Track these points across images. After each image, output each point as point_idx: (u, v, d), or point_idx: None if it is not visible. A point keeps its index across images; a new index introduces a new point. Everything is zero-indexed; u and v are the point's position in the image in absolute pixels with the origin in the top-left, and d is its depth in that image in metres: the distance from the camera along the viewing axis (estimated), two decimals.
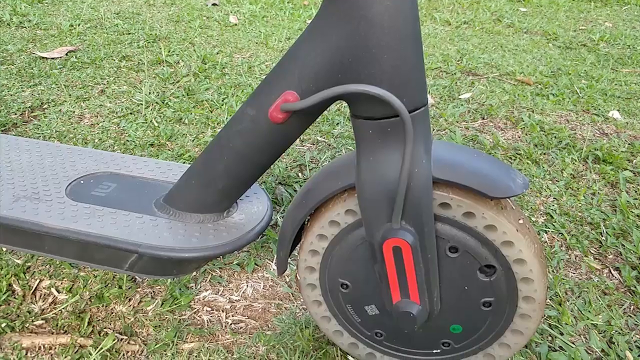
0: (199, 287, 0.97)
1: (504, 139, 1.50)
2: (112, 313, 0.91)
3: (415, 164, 0.63)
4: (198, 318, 0.91)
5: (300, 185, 1.23)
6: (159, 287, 0.97)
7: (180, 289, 0.95)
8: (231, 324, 0.90)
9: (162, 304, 0.93)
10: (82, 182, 0.87)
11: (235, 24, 2.39)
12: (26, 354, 0.83)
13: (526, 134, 1.53)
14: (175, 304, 0.93)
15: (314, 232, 0.75)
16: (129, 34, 2.12)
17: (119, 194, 0.85)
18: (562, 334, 0.89)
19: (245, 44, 2.11)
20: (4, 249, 1.03)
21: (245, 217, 0.81)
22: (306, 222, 0.77)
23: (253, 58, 1.97)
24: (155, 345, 0.85)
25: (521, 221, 0.70)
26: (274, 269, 1.01)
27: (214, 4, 2.66)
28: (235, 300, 0.95)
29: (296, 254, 1.05)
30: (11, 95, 1.58)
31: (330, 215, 0.73)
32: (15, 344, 0.84)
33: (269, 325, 0.89)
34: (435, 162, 0.66)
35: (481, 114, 1.65)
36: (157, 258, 0.76)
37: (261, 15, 2.58)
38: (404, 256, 0.67)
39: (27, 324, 0.88)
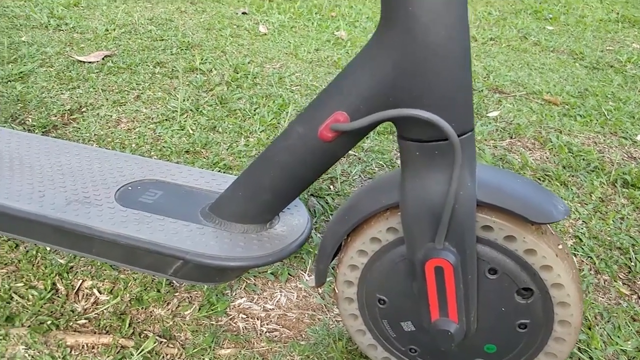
0: (234, 294, 1.00)
1: (533, 159, 1.51)
2: (151, 316, 0.94)
3: (461, 187, 0.65)
4: (234, 325, 0.94)
5: (332, 198, 1.26)
6: (195, 292, 1.00)
7: (216, 296, 0.98)
8: (266, 332, 0.92)
9: (200, 309, 0.96)
10: (130, 188, 0.90)
11: (265, 34, 2.44)
12: (70, 351, 0.86)
13: (554, 155, 1.54)
14: (212, 310, 0.96)
15: (355, 247, 0.77)
16: (162, 40, 2.18)
17: (166, 201, 0.88)
18: (591, 358, 0.90)
19: (276, 54, 2.15)
20: (48, 249, 1.06)
21: (286, 229, 0.83)
22: (346, 237, 0.80)
23: (283, 69, 2.01)
24: (194, 349, 0.87)
25: (560, 246, 0.71)
26: (307, 280, 1.04)
27: (243, 13, 2.71)
28: (270, 308, 0.97)
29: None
30: (51, 98, 1.63)
31: (372, 232, 0.75)
32: (60, 342, 0.88)
33: (303, 335, 0.92)
34: (479, 186, 0.68)
35: (509, 132, 1.66)
36: (202, 265, 0.79)
37: (290, 26, 2.62)
38: (445, 276, 0.69)
39: (71, 323, 0.92)
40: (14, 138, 1.02)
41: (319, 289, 1.02)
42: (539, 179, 1.41)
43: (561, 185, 1.38)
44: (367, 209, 0.74)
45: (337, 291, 0.82)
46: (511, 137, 1.64)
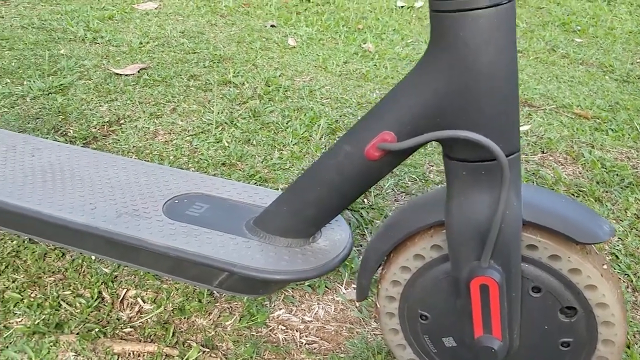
0: (273, 305, 1.02)
1: (565, 174, 1.51)
2: (194, 325, 0.97)
3: (507, 207, 0.66)
4: (274, 336, 0.96)
5: (367, 211, 1.27)
6: (235, 303, 1.02)
7: (256, 307, 1.00)
8: (305, 344, 0.94)
9: (240, 319, 0.98)
10: (176, 201, 0.93)
11: (294, 47, 2.47)
12: (117, 359, 0.89)
13: (587, 170, 1.54)
14: (252, 321, 0.98)
15: (398, 263, 0.79)
16: (195, 53, 2.23)
17: (212, 214, 0.91)
18: None
19: (305, 67, 2.18)
20: (93, 258, 1.10)
21: (329, 244, 0.85)
22: (389, 253, 0.81)
23: (313, 82, 2.04)
24: (236, 359, 0.90)
25: (605, 266, 0.72)
26: (344, 293, 1.05)
27: (272, 26, 2.76)
28: (308, 320, 0.99)
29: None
30: (90, 110, 1.69)
31: (416, 249, 0.77)
32: (108, 349, 0.91)
33: (342, 348, 0.93)
34: (524, 205, 0.69)
35: (541, 147, 1.66)
36: (248, 278, 0.81)
37: (317, 38, 2.66)
38: (490, 294, 0.70)
39: (117, 331, 0.95)
40: (64, 151, 1.06)
41: (354, 301, 1.03)
42: (573, 194, 1.40)
43: (595, 201, 1.38)
44: (411, 226, 0.75)
45: (378, 306, 0.83)
46: (543, 152, 1.64)
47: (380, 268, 0.82)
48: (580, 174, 1.52)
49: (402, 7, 3.32)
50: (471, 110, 0.64)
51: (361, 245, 1.18)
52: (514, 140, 0.66)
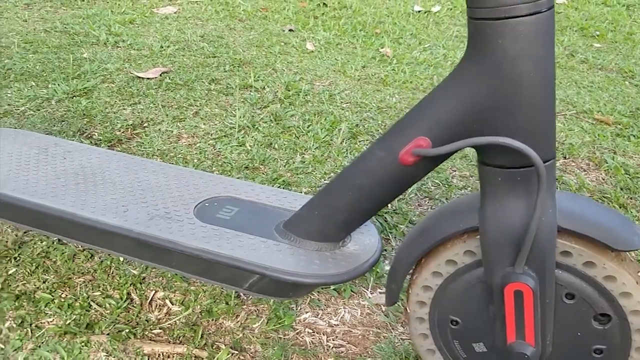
0: (299, 308, 1.03)
1: (589, 180, 1.50)
2: (221, 328, 0.98)
3: (543, 213, 0.67)
4: (301, 339, 0.96)
5: (391, 216, 1.28)
6: (262, 305, 1.03)
7: (283, 309, 1.01)
8: (333, 348, 0.94)
9: (267, 322, 0.99)
10: (207, 204, 0.95)
11: (312, 51, 2.49)
12: (148, 359, 0.90)
13: (610, 177, 1.53)
14: (279, 324, 0.98)
15: (430, 269, 0.79)
16: (215, 57, 2.25)
17: (242, 218, 0.92)
18: None
19: (324, 72, 2.19)
20: (121, 259, 1.12)
21: (359, 248, 0.86)
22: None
23: (333, 86, 2.05)
24: None
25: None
26: (370, 297, 1.06)
27: (290, 30, 2.78)
28: (335, 324, 0.99)
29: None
30: (114, 113, 1.71)
31: (448, 255, 0.77)
32: (138, 350, 0.92)
33: (369, 353, 0.94)
34: (560, 212, 0.69)
35: (562, 153, 1.65)
36: (279, 281, 0.82)
37: (335, 43, 2.67)
38: (524, 300, 0.70)
39: (147, 332, 0.96)
40: (94, 154, 1.08)
41: (380, 305, 1.04)
42: (598, 201, 1.40)
43: (620, 207, 1.37)
44: (444, 231, 0.76)
45: (408, 311, 0.83)
46: (565, 158, 1.63)
47: (410, 273, 0.83)
48: (604, 180, 1.51)
49: (419, 11, 3.33)
50: (509, 117, 0.65)
51: (385, 250, 1.18)
52: (550, 147, 0.67)
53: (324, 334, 0.97)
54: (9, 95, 1.80)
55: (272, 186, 1.36)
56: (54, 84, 1.88)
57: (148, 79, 1.97)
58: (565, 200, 0.72)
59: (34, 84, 1.89)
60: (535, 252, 0.68)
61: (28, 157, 1.06)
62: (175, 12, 2.86)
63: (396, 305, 1.04)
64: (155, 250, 0.89)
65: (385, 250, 1.18)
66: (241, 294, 1.05)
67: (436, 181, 1.43)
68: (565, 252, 0.71)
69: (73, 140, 1.53)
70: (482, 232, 0.71)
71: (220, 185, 1.00)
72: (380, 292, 1.07)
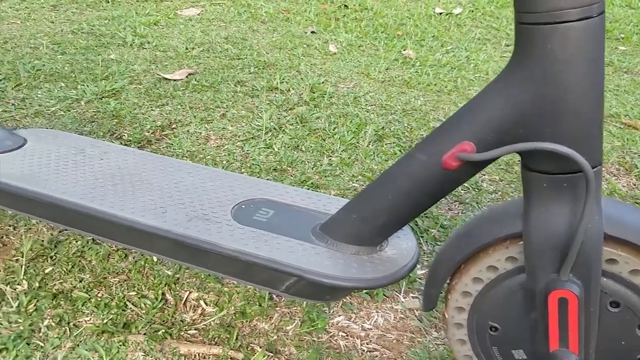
0: (331, 311, 1.03)
1: (620, 185, 1.48)
2: (256, 329, 0.98)
3: (589, 220, 0.66)
4: (334, 342, 0.96)
5: (422, 220, 1.27)
6: (295, 308, 1.03)
7: (316, 312, 1.01)
8: (367, 352, 0.94)
9: (301, 325, 0.99)
10: (243, 206, 0.95)
11: (335, 53, 2.49)
12: None
13: None
14: (313, 327, 0.99)
15: (470, 274, 0.79)
16: (239, 59, 2.26)
17: (278, 220, 0.92)
18: None
19: (348, 74, 2.19)
20: (155, 259, 1.13)
21: (397, 253, 0.86)
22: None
23: (357, 88, 2.05)
24: None
25: None
26: (403, 302, 1.05)
27: (312, 32, 2.78)
28: (368, 328, 0.99)
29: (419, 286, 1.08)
30: (142, 114, 1.73)
31: (490, 261, 0.76)
32: (175, 350, 0.93)
33: (404, 357, 0.93)
34: (605, 218, 0.69)
35: None
36: (317, 284, 0.82)
37: (357, 45, 2.67)
38: (569, 307, 0.69)
39: (182, 332, 0.97)
40: (130, 155, 1.09)
41: (414, 310, 1.04)
42: None
43: None
44: (486, 237, 0.75)
45: (446, 316, 0.83)
46: None
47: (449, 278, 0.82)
48: (635, 185, 1.49)
49: (440, 13, 3.31)
50: (556, 122, 0.64)
51: None
52: (597, 153, 0.66)
53: (357, 338, 0.97)
54: (39, 95, 1.83)
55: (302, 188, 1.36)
56: (83, 85, 1.90)
57: (175, 80, 1.98)
58: (611, 207, 0.71)
59: (63, 84, 1.92)
60: (581, 259, 0.67)
61: (66, 157, 1.07)
62: (198, 14, 2.89)
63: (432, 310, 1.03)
64: (192, 251, 0.90)
65: None
66: (274, 296, 1.05)
67: (466, 185, 1.43)
68: (610, 259, 0.70)
69: (104, 141, 1.55)
70: (526, 239, 0.70)
71: (255, 187, 1.01)
72: (412, 297, 1.07)
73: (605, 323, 0.72)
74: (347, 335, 0.98)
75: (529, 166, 0.69)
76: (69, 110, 1.73)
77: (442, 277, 0.80)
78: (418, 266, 1.14)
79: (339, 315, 1.02)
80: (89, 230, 0.97)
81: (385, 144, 1.63)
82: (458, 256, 0.78)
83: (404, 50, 2.64)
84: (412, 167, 0.76)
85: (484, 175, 1.49)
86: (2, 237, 1.18)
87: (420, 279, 1.10)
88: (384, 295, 1.06)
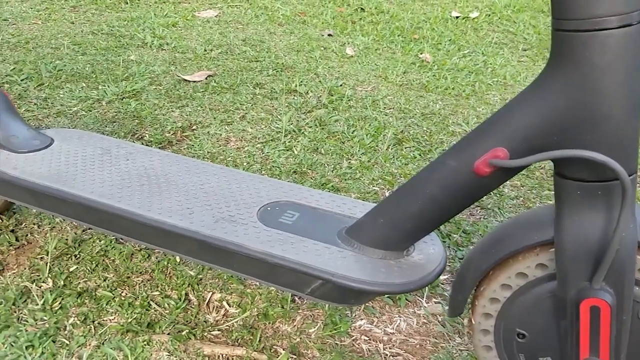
0: (353, 315, 1.03)
1: None
2: (278, 331, 0.98)
3: (624, 228, 0.65)
4: (357, 346, 0.96)
5: (444, 225, 1.27)
6: (317, 310, 1.03)
7: (339, 316, 1.01)
8: (390, 356, 0.94)
9: (324, 327, 0.99)
10: (268, 208, 0.95)
11: (352, 56, 2.49)
12: None
13: None
14: (335, 330, 0.99)
15: (499, 281, 0.78)
16: (257, 61, 2.27)
17: (304, 223, 0.92)
18: None
19: (366, 77, 2.19)
20: (178, 259, 1.13)
21: (424, 258, 0.86)
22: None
23: (375, 91, 2.05)
24: None
25: None
26: (425, 306, 1.05)
27: (329, 35, 2.79)
28: (391, 332, 0.99)
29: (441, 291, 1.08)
30: (163, 115, 1.74)
31: (519, 267, 0.76)
32: (198, 351, 0.93)
33: None
34: None
35: None
36: (343, 287, 0.82)
37: (374, 48, 2.67)
38: (601, 316, 0.69)
39: (205, 333, 0.97)
40: (155, 156, 1.10)
41: (436, 315, 1.03)
42: None
43: None
44: (516, 244, 0.75)
45: (473, 322, 0.83)
46: None
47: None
48: None
49: (457, 17, 3.31)
50: (592, 130, 0.64)
51: None
52: (633, 161, 0.66)
53: (380, 342, 0.97)
54: (61, 95, 1.85)
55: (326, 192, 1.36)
56: (104, 86, 1.92)
57: (194, 82, 2.00)
58: None
59: (84, 85, 1.94)
60: (615, 267, 0.67)
61: (92, 157, 1.08)
62: (216, 16, 2.90)
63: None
64: (218, 252, 0.90)
65: None
66: (296, 298, 1.06)
67: None
68: None
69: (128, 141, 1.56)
70: (558, 246, 0.70)
71: (279, 189, 1.01)
72: (435, 302, 1.06)
73: (636, 332, 0.72)
74: (369, 339, 0.98)
75: (562, 173, 0.68)
76: (90, 111, 1.75)
77: (470, 283, 0.79)
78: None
79: (361, 319, 1.02)
80: (115, 229, 0.98)
81: (405, 148, 1.63)
82: (487, 262, 0.77)
83: (421, 53, 2.63)
84: (443, 173, 0.76)
85: None
86: (27, 235, 1.20)
87: (442, 284, 1.10)
88: (407, 299, 1.06)
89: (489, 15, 3.39)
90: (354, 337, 0.98)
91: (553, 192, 1.42)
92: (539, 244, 0.74)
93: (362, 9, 3.32)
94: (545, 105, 0.66)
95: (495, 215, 1.31)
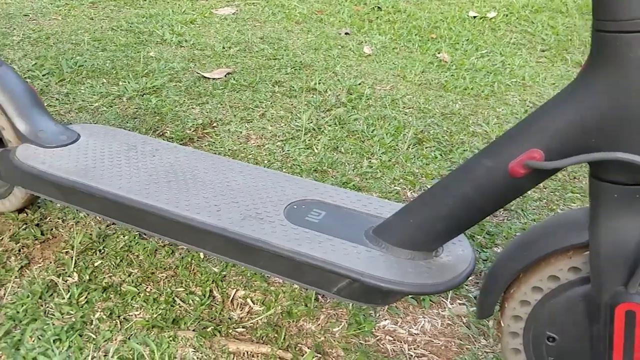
0: (377, 315, 1.02)
1: None
2: (303, 330, 0.98)
3: None
4: (382, 346, 0.96)
5: None
6: (341, 309, 1.03)
7: (363, 315, 1.01)
8: (415, 357, 0.94)
9: (348, 327, 0.99)
10: (295, 207, 0.95)
11: (369, 55, 2.48)
12: (233, 358, 0.92)
13: None
14: (359, 329, 0.98)
15: (530, 283, 0.77)
16: (275, 59, 2.27)
17: (330, 221, 0.92)
18: None
19: (384, 76, 2.19)
20: (202, 256, 1.14)
21: (453, 259, 0.85)
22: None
23: (394, 91, 2.04)
24: None
25: None
26: (450, 307, 1.05)
27: (346, 33, 2.78)
28: (415, 333, 0.99)
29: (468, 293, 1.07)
30: (183, 112, 1.75)
31: (551, 270, 0.75)
32: (224, 347, 0.93)
33: None
34: None
35: None
36: (371, 287, 0.82)
37: (391, 47, 2.66)
38: (636, 321, 0.68)
39: (230, 330, 0.97)
40: (181, 153, 1.11)
41: (461, 317, 1.03)
42: None
43: None
44: (549, 246, 0.74)
45: (502, 324, 0.82)
46: None
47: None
48: None
49: (474, 17, 3.28)
50: (633, 132, 0.63)
51: None
52: None
53: (405, 343, 0.97)
54: (82, 91, 1.86)
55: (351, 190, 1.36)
56: (124, 82, 1.93)
57: (214, 79, 2.00)
58: None
59: (105, 80, 1.95)
60: None
61: (119, 153, 1.09)
62: (233, 13, 2.91)
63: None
64: (244, 249, 0.90)
65: None
66: (320, 297, 1.05)
67: None
68: None
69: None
70: (593, 249, 0.69)
71: (305, 188, 1.01)
72: (459, 303, 1.06)
73: None
74: (394, 340, 0.97)
75: (599, 176, 0.67)
76: (111, 106, 1.76)
77: (500, 285, 0.79)
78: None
79: (385, 319, 1.02)
80: (143, 225, 0.98)
81: (426, 148, 1.62)
82: (518, 265, 0.77)
83: (439, 53, 2.62)
84: (477, 173, 0.75)
85: None
86: (52, 229, 1.21)
87: (466, 285, 1.09)
88: (431, 300, 1.06)
89: (507, 16, 3.37)
90: (378, 337, 0.98)
91: (577, 195, 1.41)
92: (572, 247, 0.73)
93: (378, 7, 3.31)
94: (585, 106, 0.65)
95: (518, 217, 1.30)
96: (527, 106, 2.02)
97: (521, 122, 0.73)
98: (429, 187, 1.42)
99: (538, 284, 0.77)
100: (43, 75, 1.95)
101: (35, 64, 2.04)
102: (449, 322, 1.01)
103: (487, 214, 0.78)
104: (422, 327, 1.00)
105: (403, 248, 0.85)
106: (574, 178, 1.50)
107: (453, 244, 0.89)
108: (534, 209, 1.34)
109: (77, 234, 1.18)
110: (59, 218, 1.24)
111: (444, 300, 1.06)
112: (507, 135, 0.73)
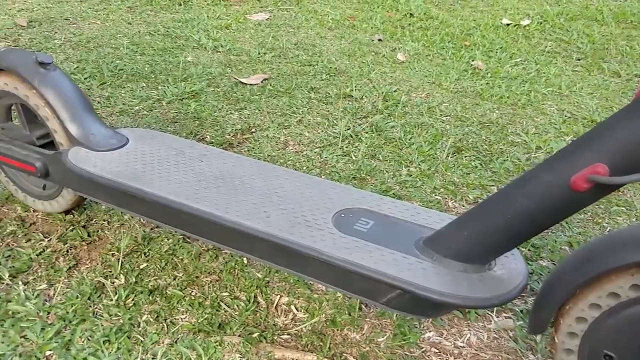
0: (422, 326, 1.02)
1: None
2: (347, 339, 0.98)
3: None
4: (427, 358, 0.95)
5: None
6: (385, 320, 1.02)
7: (408, 326, 1.00)
8: None
9: (393, 337, 0.98)
10: (342, 215, 0.95)
11: (403, 62, 2.48)
12: None
13: None
14: (404, 340, 0.98)
15: (588, 300, 0.76)
16: (310, 65, 2.28)
17: (379, 231, 0.92)
18: None
19: (419, 83, 2.18)
20: (245, 261, 1.15)
21: (506, 273, 0.84)
22: None
23: (430, 98, 2.03)
24: None
25: None
26: (497, 321, 1.03)
27: (379, 40, 2.78)
28: (461, 346, 0.98)
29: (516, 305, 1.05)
30: (222, 117, 1.77)
31: (611, 287, 0.74)
32: (270, 354, 0.94)
33: None
34: None
35: None
36: (422, 298, 0.81)
37: (425, 54, 2.65)
38: None
39: (275, 336, 0.98)
40: (228, 159, 1.12)
41: (507, 331, 1.01)
42: None
43: None
44: (609, 263, 0.72)
45: (556, 341, 0.80)
46: None
47: None
48: None
49: (508, 24, 3.25)
50: None
51: None
52: None
53: (451, 355, 0.96)
54: (122, 94, 1.90)
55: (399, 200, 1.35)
56: (163, 86, 1.96)
57: (251, 84, 2.02)
58: None
59: (144, 84, 1.98)
60: None
61: (167, 158, 1.11)
62: (267, 19, 2.93)
63: (524, 331, 1.01)
64: (292, 256, 0.90)
65: None
66: (364, 306, 1.05)
67: None
68: None
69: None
70: None
71: (351, 196, 1.01)
72: (505, 316, 1.04)
73: None
74: (439, 352, 0.96)
75: None
76: (151, 110, 1.79)
77: (556, 300, 0.77)
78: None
79: (430, 331, 1.01)
80: (191, 229, 1.00)
81: (465, 157, 1.60)
82: (576, 280, 0.75)
83: (473, 61, 2.60)
84: (537, 187, 0.74)
85: None
86: (98, 231, 1.23)
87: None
88: (476, 313, 1.05)
89: (541, 23, 3.32)
90: (423, 349, 0.97)
91: (622, 208, 1.38)
92: (634, 264, 0.71)
93: (411, 14, 3.30)
94: None
95: (563, 230, 1.28)
96: (565, 116, 1.98)
97: (582, 137, 0.71)
98: (470, 197, 1.41)
99: (596, 301, 0.75)
100: (85, 79, 1.99)
101: (77, 67, 2.09)
102: (495, 335, 1.00)
103: (544, 227, 0.77)
104: (468, 340, 0.99)
105: (456, 260, 0.84)
106: (620, 191, 1.47)
107: (506, 257, 0.87)
108: (578, 222, 1.31)
109: (123, 236, 1.20)
110: (104, 220, 1.26)
111: (489, 313, 1.05)
112: (567, 150, 0.72)
